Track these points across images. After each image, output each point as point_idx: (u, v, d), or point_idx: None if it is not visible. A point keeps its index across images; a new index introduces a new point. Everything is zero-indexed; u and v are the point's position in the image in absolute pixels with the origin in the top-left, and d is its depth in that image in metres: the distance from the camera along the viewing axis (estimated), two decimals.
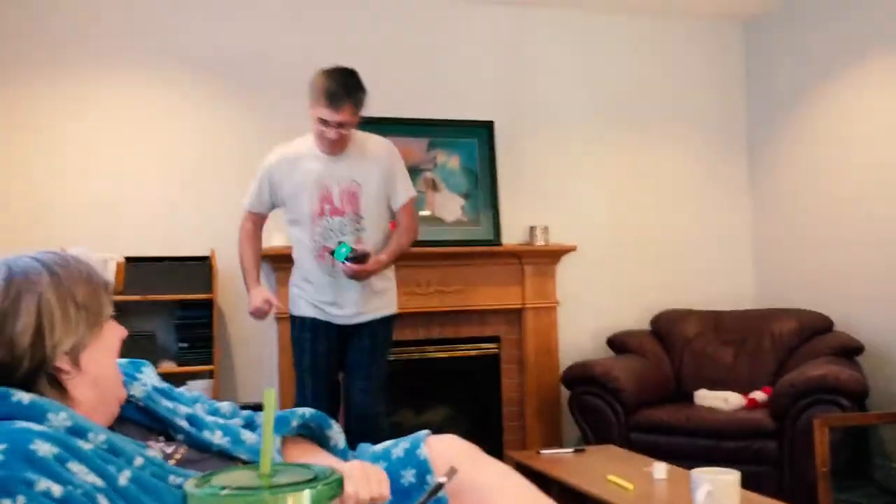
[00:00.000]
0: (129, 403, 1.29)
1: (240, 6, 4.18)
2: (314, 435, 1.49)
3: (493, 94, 4.56)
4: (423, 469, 1.41)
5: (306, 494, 0.66)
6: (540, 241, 4.42)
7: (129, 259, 3.76)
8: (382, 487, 1.29)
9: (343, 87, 3.00)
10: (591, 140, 4.73)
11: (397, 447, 1.49)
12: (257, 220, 3.33)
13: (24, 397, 1.11)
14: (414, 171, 4.30)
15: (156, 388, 1.37)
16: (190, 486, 0.68)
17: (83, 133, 3.93)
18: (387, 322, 3.25)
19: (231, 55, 4.16)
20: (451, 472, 1.16)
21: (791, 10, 4.69)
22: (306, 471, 0.71)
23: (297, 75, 4.19)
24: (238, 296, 4.04)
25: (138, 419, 1.30)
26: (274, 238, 4.00)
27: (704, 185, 4.95)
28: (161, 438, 1.28)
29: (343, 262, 3.00)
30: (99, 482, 1.05)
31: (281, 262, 4.00)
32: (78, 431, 1.10)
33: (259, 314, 3.19)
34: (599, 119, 4.76)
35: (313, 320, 3.19)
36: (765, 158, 4.92)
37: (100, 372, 1.21)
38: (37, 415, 1.09)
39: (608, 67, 4.80)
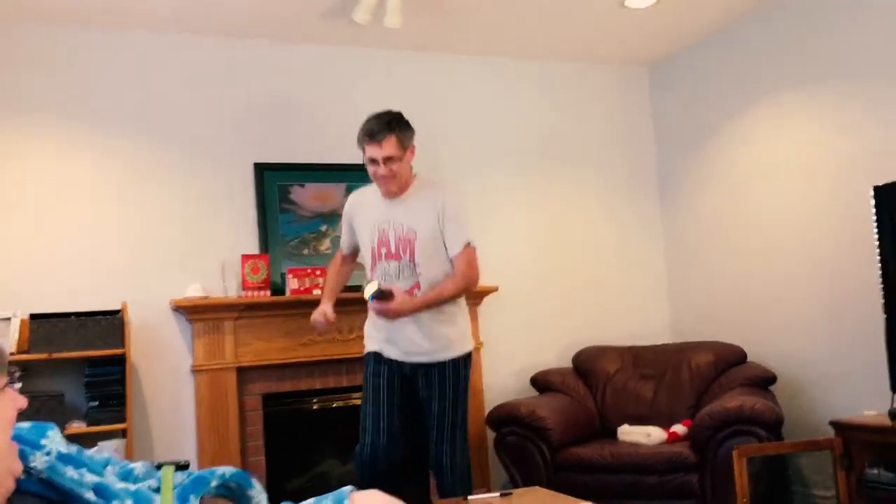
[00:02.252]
0: (30, 476, 1.22)
1: (152, 66, 4.10)
2: (234, 495, 1.44)
3: None
4: None
5: None
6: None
7: (33, 316, 3.61)
8: None
9: (381, 121, 3.10)
10: (506, 182, 4.80)
11: None
12: (348, 258, 3.48)
13: None
14: (331, 217, 4.28)
15: (61, 455, 1.29)
16: None
17: None
18: (451, 367, 3.19)
19: (140, 104, 4.07)
20: None
21: (690, 54, 4.88)
22: None
23: (205, 131, 4.18)
24: (152, 349, 3.92)
25: (40, 492, 1.22)
26: (189, 289, 3.90)
27: (619, 224, 5.08)
28: None
29: (370, 301, 3.03)
30: None
31: (196, 312, 3.89)
32: None
33: (316, 324, 3.30)
34: (515, 162, 4.84)
35: (377, 354, 3.25)
36: (674, 198, 5.07)
37: None
38: None
39: (521, 112, 4.90)
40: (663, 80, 5.14)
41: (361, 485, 3.24)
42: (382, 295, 3.01)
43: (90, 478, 1.28)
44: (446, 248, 3.15)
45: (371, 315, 3.26)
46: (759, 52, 4.39)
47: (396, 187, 3.16)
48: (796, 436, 4.01)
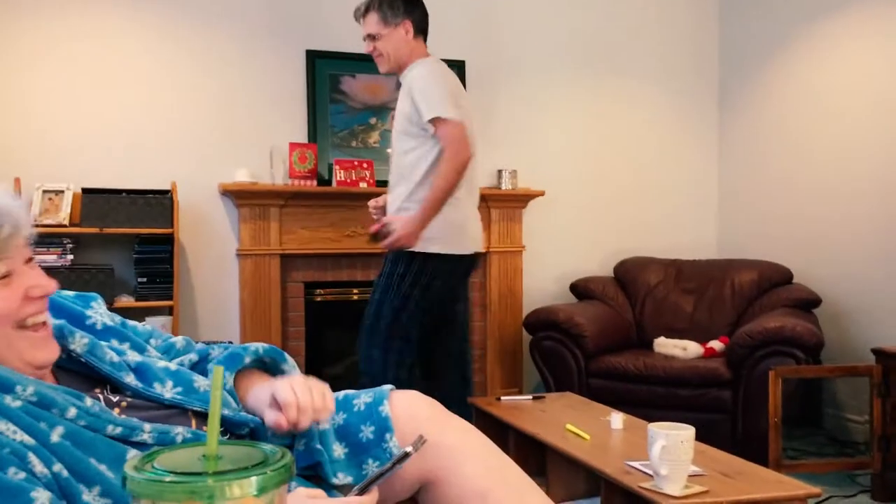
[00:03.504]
0: (72, 357, 1.24)
1: None
2: (269, 369, 1.46)
3: (464, 33, 4.46)
4: (384, 426, 1.39)
5: (253, 481, 0.64)
6: (507, 185, 4.39)
7: (86, 190, 3.67)
8: (326, 401, 1.26)
9: (364, 2, 3.02)
10: (561, 84, 4.67)
11: (359, 398, 1.46)
12: None
13: None
14: (382, 110, 4.23)
15: (106, 327, 1.31)
16: (130, 468, 0.65)
17: (40, 63, 3.76)
18: (390, 258, 2.96)
19: None
20: (419, 441, 1.14)
21: None
22: (255, 452, 0.68)
23: (258, 14, 4.10)
24: (200, 230, 3.98)
25: (82, 370, 1.25)
26: (237, 174, 3.93)
27: (673, 133, 4.94)
28: (107, 387, 1.24)
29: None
30: (28, 440, 1.01)
31: (243, 197, 3.93)
32: (3, 386, 1.06)
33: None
34: (571, 63, 4.70)
35: None
36: (734, 109, 4.90)
37: None
38: None
39: (581, 11, 4.72)
40: None
41: None
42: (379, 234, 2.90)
43: (132, 356, 1.30)
44: (422, 121, 2.87)
45: None
46: None
47: (387, 66, 3.04)
48: (835, 360, 3.98)
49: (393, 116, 3.15)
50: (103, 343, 1.27)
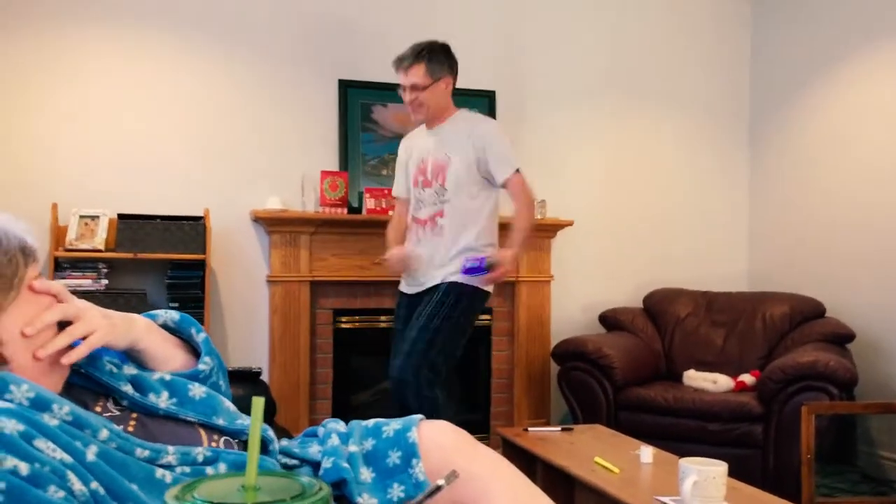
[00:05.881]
0: (72, 370, 1.27)
1: None
2: (182, 338, 1.48)
3: (494, 64, 4.49)
4: (410, 453, 1.40)
5: None
6: (536, 215, 4.38)
7: (121, 216, 3.73)
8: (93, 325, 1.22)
9: (413, 49, 3.12)
10: (591, 114, 4.68)
11: (388, 426, 1.48)
12: (400, 207, 3.42)
13: None
14: None
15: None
16: (171, 498, 0.66)
17: (77, 90, 3.84)
18: (444, 288, 3.10)
19: (230, 16, 4.07)
20: (452, 475, 1.14)
21: None
22: (293, 484, 0.69)
23: (292, 45, 4.17)
24: (231, 257, 4.03)
25: (83, 384, 1.28)
26: (268, 202, 3.97)
27: (704, 164, 4.92)
28: (110, 400, 1.27)
29: (481, 275, 3.04)
30: (67, 458, 1.03)
31: (274, 224, 3.97)
32: (41, 404, 1.08)
33: (392, 264, 3.25)
34: (600, 93, 4.71)
35: (399, 292, 3.32)
36: (766, 140, 4.88)
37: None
38: None
39: (612, 41, 4.74)
40: (768, 12, 4.88)
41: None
42: (487, 267, 3.03)
43: (127, 369, 1.33)
44: (492, 176, 3.13)
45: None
46: None
47: (423, 116, 3.18)
48: (870, 396, 3.91)
49: (425, 161, 3.23)
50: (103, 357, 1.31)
